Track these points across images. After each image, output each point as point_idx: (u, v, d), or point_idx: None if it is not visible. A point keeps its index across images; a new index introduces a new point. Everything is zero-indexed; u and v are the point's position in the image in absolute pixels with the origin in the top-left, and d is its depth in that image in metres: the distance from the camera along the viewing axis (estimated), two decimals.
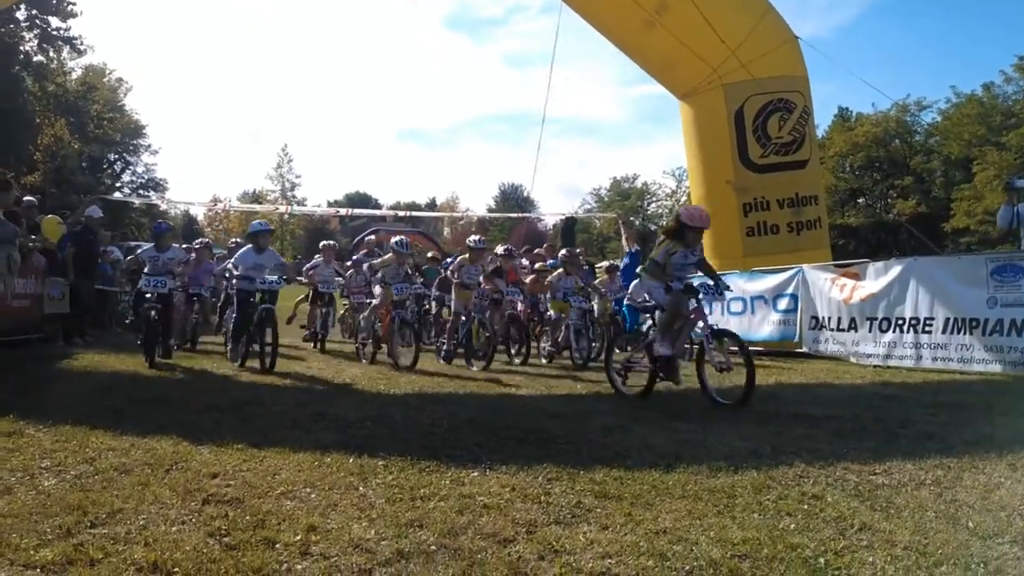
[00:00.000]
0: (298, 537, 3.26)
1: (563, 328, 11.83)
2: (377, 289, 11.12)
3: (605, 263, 17.47)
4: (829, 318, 11.46)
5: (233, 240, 14.38)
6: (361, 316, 12.02)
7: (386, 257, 11.20)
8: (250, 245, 10.20)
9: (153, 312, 9.78)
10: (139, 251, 10.86)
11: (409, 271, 11.30)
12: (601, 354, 10.86)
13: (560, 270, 12.30)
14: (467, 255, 11.36)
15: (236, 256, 10.36)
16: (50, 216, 13.58)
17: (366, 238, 19.85)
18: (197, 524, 3.41)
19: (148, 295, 10.15)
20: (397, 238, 11.47)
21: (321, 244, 14.63)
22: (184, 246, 17.18)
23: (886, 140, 48.97)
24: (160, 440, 4.96)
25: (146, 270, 10.43)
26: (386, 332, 10.64)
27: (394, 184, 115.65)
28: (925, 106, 47.52)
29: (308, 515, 3.56)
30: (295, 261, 18.42)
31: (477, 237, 11.69)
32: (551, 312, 12.31)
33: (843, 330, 11.16)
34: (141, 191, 53.48)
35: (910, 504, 3.95)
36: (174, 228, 12.05)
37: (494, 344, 10.84)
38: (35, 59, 38.69)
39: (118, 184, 53.87)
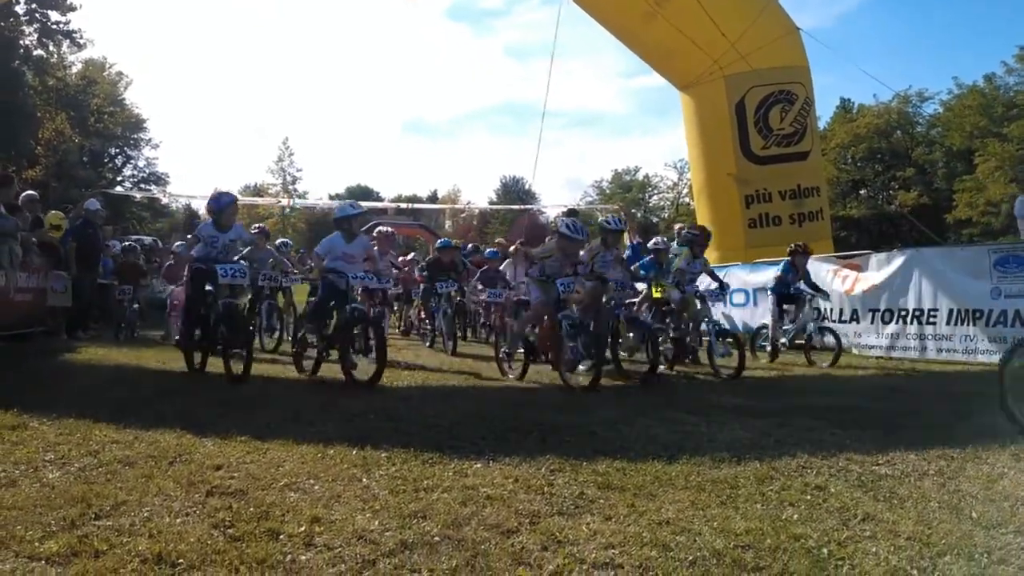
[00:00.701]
0: (302, 528, 3.26)
1: (689, 327, 9.61)
2: (528, 287, 8.74)
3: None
4: (831, 310, 11.47)
5: (256, 226, 12.89)
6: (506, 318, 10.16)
7: (548, 244, 8.83)
8: (337, 232, 8.33)
9: (220, 308, 7.80)
10: (197, 229, 8.64)
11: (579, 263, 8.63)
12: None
13: (686, 251, 10.04)
14: (599, 239, 9.07)
15: (322, 244, 8.48)
16: (53, 212, 13.60)
17: (376, 231, 19.45)
18: (201, 516, 3.42)
19: (209, 288, 7.95)
20: (569, 219, 8.92)
21: (376, 231, 12.75)
22: (191, 236, 16.65)
23: (888, 131, 48.85)
24: (164, 432, 4.96)
25: (197, 250, 8.26)
26: (546, 338, 8.34)
27: (395, 176, 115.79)
28: (927, 97, 47.45)
29: (312, 506, 3.56)
30: (298, 254, 17.68)
31: (615, 216, 9.32)
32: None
33: (845, 321, 11.19)
34: (142, 185, 53.41)
35: (913, 494, 3.95)
36: (238, 201, 9.27)
37: (655, 349, 8.75)
38: (35, 53, 38.62)
39: (119, 178, 53.83)
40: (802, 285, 10.72)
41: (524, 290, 8.87)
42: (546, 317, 8.28)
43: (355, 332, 7.80)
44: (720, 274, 12.16)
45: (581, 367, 7.81)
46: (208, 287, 7.93)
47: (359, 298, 8.36)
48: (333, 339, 7.99)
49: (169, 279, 12.02)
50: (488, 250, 14.75)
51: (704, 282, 10.23)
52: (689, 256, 9.85)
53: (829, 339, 10.33)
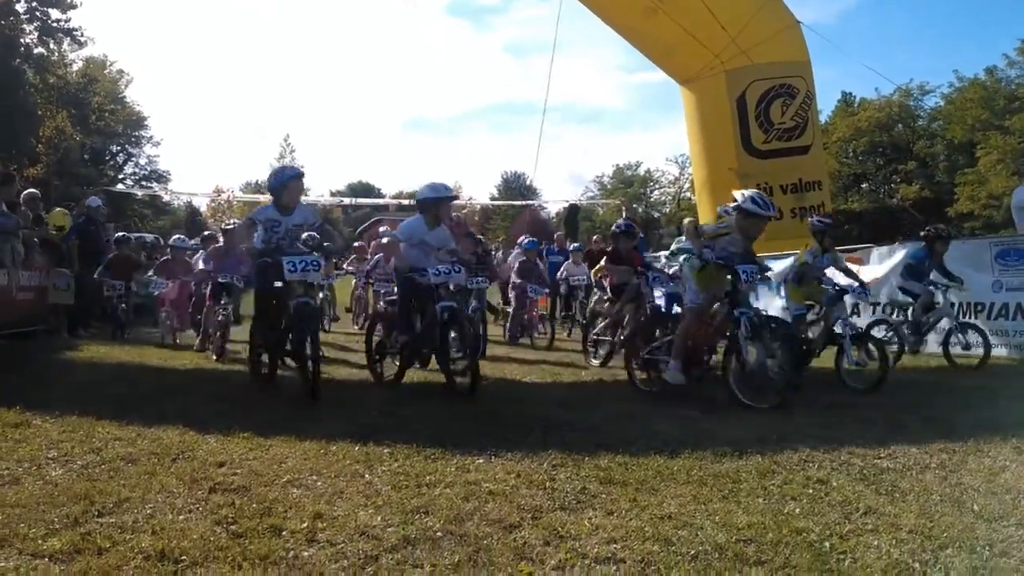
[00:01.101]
0: (304, 524, 3.27)
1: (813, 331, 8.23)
2: (685, 279, 7.08)
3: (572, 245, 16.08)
4: None
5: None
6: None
7: (721, 223, 7.18)
8: (420, 215, 7.28)
9: (291, 309, 6.51)
10: (254, 211, 7.06)
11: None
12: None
13: (812, 244, 8.49)
14: (725, 218, 7.22)
15: (403, 227, 7.42)
16: (58, 209, 13.56)
17: (380, 228, 18.93)
18: (204, 512, 3.43)
19: (278, 285, 6.62)
20: (751, 191, 6.87)
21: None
22: (207, 232, 15.13)
23: (889, 125, 48.68)
24: (166, 429, 4.97)
25: (258, 239, 6.75)
26: (706, 341, 6.85)
27: (397, 173, 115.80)
28: (928, 90, 47.25)
29: (314, 502, 3.57)
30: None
31: (755, 193, 6.82)
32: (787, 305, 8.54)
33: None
34: (144, 183, 53.39)
35: (915, 488, 3.96)
36: (303, 175, 7.12)
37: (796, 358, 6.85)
38: (36, 51, 38.59)
39: (120, 176, 53.84)
40: (933, 275, 9.29)
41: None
42: (708, 313, 6.74)
43: (451, 334, 6.92)
44: None
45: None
46: (278, 284, 6.63)
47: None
48: (422, 343, 7.10)
49: (167, 275, 11.47)
50: (527, 240, 13.40)
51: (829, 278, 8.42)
52: (817, 249, 8.32)
53: (972, 337, 8.97)
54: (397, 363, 7.36)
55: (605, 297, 9.78)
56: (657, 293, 9.26)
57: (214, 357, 9.35)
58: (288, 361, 6.90)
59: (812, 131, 14.57)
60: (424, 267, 6.96)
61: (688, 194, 52.99)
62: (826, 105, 50.04)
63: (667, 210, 60.06)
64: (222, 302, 9.53)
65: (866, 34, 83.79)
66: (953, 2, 78.69)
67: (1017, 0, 60.84)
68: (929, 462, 4.48)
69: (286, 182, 6.76)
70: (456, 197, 7.57)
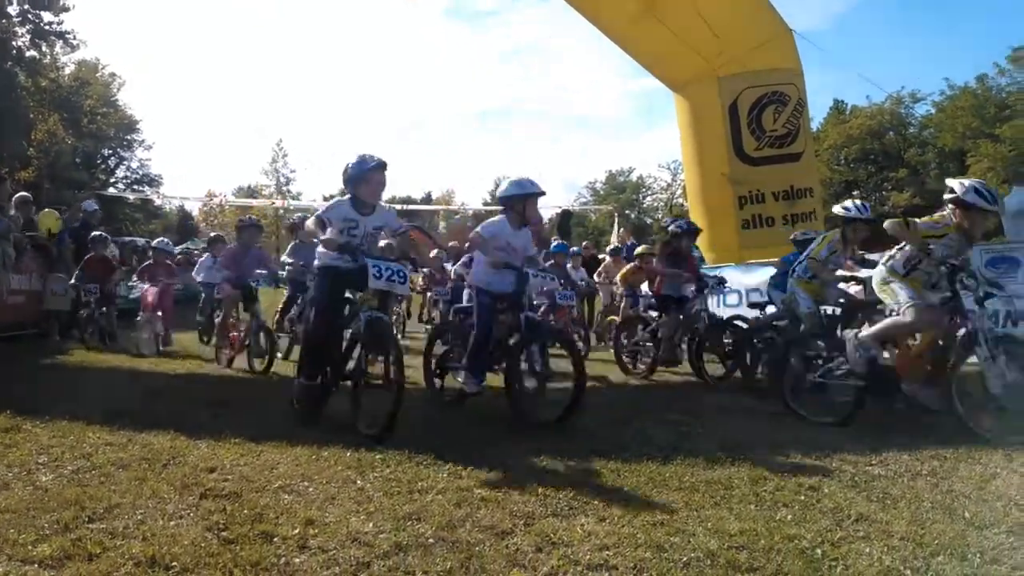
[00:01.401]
0: (296, 531, 3.26)
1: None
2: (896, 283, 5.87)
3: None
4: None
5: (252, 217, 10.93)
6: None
7: (936, 223, 5.83)
8: (503, 216, 6.36)
9: (361, 325, 5.42)
10: (322, 210, 5.68)
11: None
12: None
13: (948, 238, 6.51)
14: (836, 232, 6.25)
15: (487, 226, 6.42)
16: (48, 210, 13.45)
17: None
18: (195, 518, 3.41)
19: (349, 296, 5.71)
20: (971, 180, 5.91)
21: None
22: (213, 234, 14.60)
23: (880, 132, 49.07)
24: (157, 435, 4.95)
25: (329, 235, 5.35)
26: (919, 361, 5.70)
27: (390, 178, 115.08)
28: (919, 98, 47.69)
29: (306, 509, 3.56)
30: None
31: (978, 183, 5.93)
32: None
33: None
34: (135, 186, 53.28)
35: (907, 495, 3.97)
36: (387, 165, 5.63)
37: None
38: (28, 54, 38.58)
39: (112, 179, 53.74)
40: None
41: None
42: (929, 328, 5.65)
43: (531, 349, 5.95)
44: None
45: None
46: (348, 294, 5.65)
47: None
48: (497, 358, 6.27)
49: (148, 279, 10.87)
50: (555, 243, 12.69)
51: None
52: (951, 243, 6.91)
53: None
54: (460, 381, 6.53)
55: (647, 303, 9.31)
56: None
57: (235, 364, 8.86)
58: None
59: (804, 138, 14.62)
60: (515, 266, 6.09)
61: (680, 200, 53.19)
62: (818, 112, 50.52)
63: (659, 216, 60.21)
64: (256, 307, 8.91)
65: (858, 42, 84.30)
66: (944, 11, 79.41)
67: (1008, 9, 61.40)
68: (920, 469, 4.50)
69: (367, 173, 5.58)
70: (544, 192, 6.46)
